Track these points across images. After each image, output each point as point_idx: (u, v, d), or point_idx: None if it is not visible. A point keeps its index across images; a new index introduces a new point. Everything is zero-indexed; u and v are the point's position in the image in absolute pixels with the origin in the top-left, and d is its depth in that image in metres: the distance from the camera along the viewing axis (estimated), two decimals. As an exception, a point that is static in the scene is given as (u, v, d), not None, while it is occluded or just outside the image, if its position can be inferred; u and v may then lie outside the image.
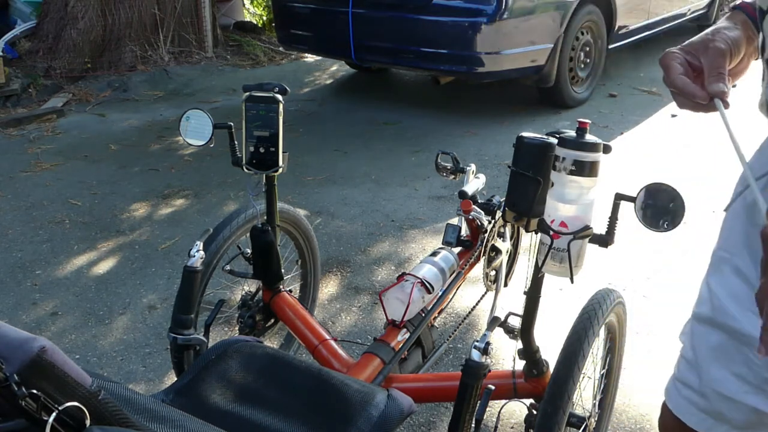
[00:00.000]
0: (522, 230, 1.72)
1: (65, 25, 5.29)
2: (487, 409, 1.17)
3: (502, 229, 1.69)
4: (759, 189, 0.82)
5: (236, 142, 1.61)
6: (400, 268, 2.68)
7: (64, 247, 2.88)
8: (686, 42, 0.89)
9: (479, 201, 1.69)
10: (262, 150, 1.55)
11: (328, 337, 1.62)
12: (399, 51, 4.34)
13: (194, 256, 1.51)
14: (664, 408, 1.04)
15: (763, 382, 0.89)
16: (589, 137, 1.12)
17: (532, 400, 1.48)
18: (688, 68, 0.86)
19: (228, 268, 1.74)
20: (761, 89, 0.82)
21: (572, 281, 1.18)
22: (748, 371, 0.89)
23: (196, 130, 1.60)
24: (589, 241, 1.18)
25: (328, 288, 2.57)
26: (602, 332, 1.49)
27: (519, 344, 1.45)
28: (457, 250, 1.75)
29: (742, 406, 0.91)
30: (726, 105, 0.82)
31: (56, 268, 2.73)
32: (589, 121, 1.13)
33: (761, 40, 0.83)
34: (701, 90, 0.83)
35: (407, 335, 1.56)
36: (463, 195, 1.65)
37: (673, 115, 4.48)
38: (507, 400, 1.52)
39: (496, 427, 1.80)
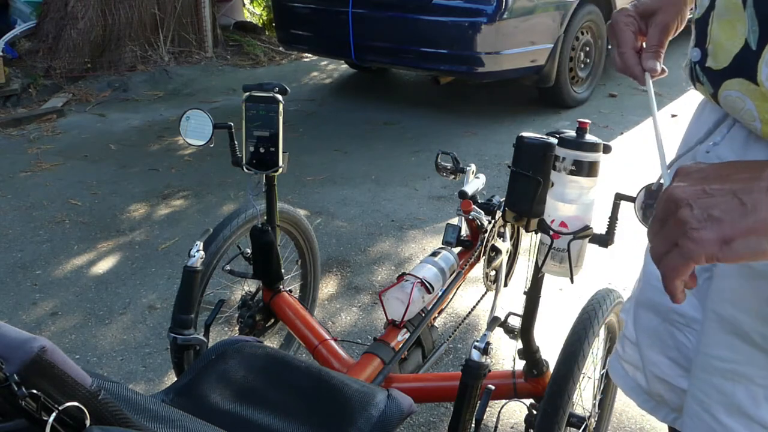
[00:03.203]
0: (522, 230, 1.72)
1: (65, 25, 5.29)
2: (487, 409, 1.17)
3: (502, 229, 1.69)
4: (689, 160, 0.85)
5: (236, 142, 1.61)
6: (400, 268, 2.68)
7: (64, 247, 2.88)
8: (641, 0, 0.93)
9: (479, 201, 1.69)
10: (262, 150, 1.55)
11: (328, 337, 1.62)
12: (399, 51, 4.34)
13: (194, 256, 1.51)
14: None
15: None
16: (589, 137, 1.12)
17: (532, 400, 1.48)
18: (637, 35, 0.91)
19: (228, 268, 1.74)
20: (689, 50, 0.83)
21: (572, 281, 1.18)
22: (679, 354, 0.91)
23: (196, 130, 1.60)
24: (589, 241, 1.18)
25: (328, 288, 2.57)
26: (602, 332, 1.49)
27: (519, 344, 1.45)
28: (457, 250, 1.75)
29: (676, 389, 0.93)
30: (654, 76, 0.90)
31: (56, 268, 2.73)
32: (589, 121, 1.13)
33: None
34: (640, 69, 0.90)
35: (407, 335, 1.56)
36: (463, 195, 1.64)
37: (673, 115, 4.48)
38: (507, 400, 1.53)
39: (496, 427, 1.80)
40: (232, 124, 1.60)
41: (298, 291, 2.07)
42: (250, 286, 1.90)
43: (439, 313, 1.79)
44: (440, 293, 1.62)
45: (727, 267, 0.77)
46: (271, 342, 2.21)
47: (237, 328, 1.82)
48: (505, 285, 1.76)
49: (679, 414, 0.96)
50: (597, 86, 4.98)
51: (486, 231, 1.64)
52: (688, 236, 0.60)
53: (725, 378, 0.78)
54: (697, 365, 0.83)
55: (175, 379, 1.38)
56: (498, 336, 1.97)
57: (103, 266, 2.74)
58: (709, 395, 0.80)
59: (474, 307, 1.82)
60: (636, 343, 0.98)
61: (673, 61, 0.86)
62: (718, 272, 0.79)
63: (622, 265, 2.61)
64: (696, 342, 0.89)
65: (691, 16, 0.86)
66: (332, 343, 1.60)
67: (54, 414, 0.59)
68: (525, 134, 1.27)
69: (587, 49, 4.71)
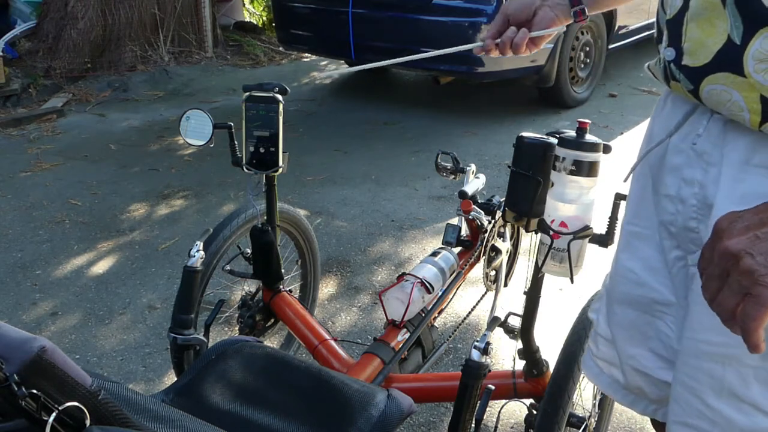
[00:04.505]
0: (522, 230, 1.73)
1: (65, 25, 5.29)
2: (487, 409, 1.17)
3: (502, 229, 1.69)
4: (659, 156, 0.89)
5: (236, 142, 1.61)
6: (400, 268, 2.68)
7: (64, 247, 2.88)
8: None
9: (479, 201, 1.69)
10: (262, 150, 1.55)
11: (328, 337, 1.62)
12: (399, 51, 4.34)
13: (194, 256, 1.51)
14: None
15: (674, 355, 0.91)
16: (589, 137, 1.12)
17: (532, 400, 1.48)
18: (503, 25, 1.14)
19: (228, 268, 1.74)
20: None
21: (572, 281, 1.18)
22: (660, 344, 0.92)
23: (196, 130, 1.60)
24: (589, 241, 1.18)
25: (328, 288, 2.57)
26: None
27: (519, 344, 1.45)
28: (457, 250, 1.75)
29: (656, 381, 0.94)
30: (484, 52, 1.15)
31: (56, 268, 2.73)
32: (589, 121, 1.13)
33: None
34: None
35: (407, 335, 1.56)
36: (463, 195, 1.65)
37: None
38: (507, 400, 1.52)
39: (496, 427, 1.80)
40: (232, 124, 1.60)
41: (298, 291, 2.07)
42: (250, 286, 1.90)
43: (439, 313, 1.79)
44: (440, 293, 1.62)
45: None
46: (271, 342, 2.21)
47: (237, 328, 1.82)
48: (505, 285, 1.76)
49: (658, 405, 0.97)
50: (597, 86, 4.98)
51: (486, 231, 1.64)
52: (760, 283, 0.62)
53: (714, 361, 0.79)
54: (684, 351, 0.84)
55: (175, 379, 1.38)
56: (498, 336, 1.97)
57: (103, 266, 2.74)
58: (698, 380, 0.81)
59: (474, 307, 1.82)
60: (612, 340, 0.99)
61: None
62: None
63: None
64: (678, 329, 0.90)
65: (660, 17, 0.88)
66: (332, 343, 1.60)
67: (54, 414, 0.59)
68: (525, 134, 1.27)
69: (587, 49, 4.71)
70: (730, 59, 0.74)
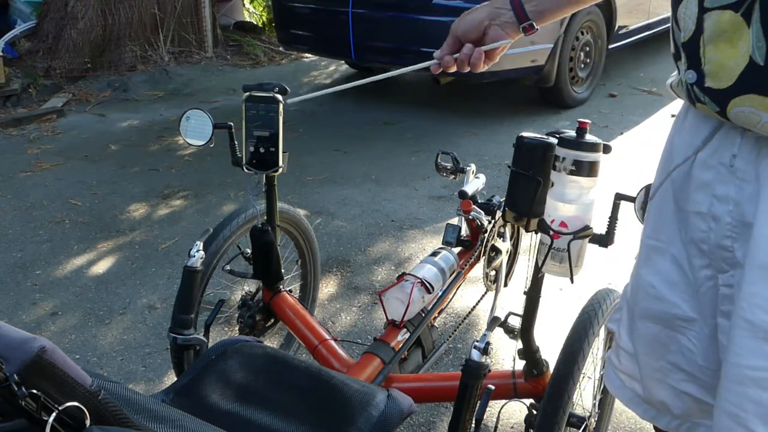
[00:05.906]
0: (522, 230, 1.73)
1: (65, 25, 5.29)
2: (487, 409, 1.17)
3: (502, 229, 1.69)
4: (684, 172, 0.87)
5: (236, 142, 1.61)
6: (400, 268, 2.68)
7: (64, 247, 2.88)
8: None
9: (479, 201, 1.69)
10: (262, 150, 1.55)
11: (328, 337, 1.62)
12: (399, 51, 4.34)
13: (194, 256, 1.51)
14: None
15: (698, 370, 0.90)
16: (589, 137, 1.12)
17: (532, 400, 1.48)
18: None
19: (228, 268, 1.74)
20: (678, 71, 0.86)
21: (572, 281, 1.18)
22: (682, 359, 0.91)
23: (196, 130, 1.60)
24: (589, 241, 1.19)
25: (328, 288, 2.57)
26: (602, 332, 1.49)
27: (519, 344, 1.45)
28: (457, 250, 1.75)
29: (681, 394, 0.92)
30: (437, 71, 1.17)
31: (56, 268, 2.73)
32: (589, 121, 1.13)
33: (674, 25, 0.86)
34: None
35: (407, 335, 1.56)
36: (463, 195, 1.65)
37: (673, 115, 4.48)
38: (507, 400, 1.52)
39: (496, 427, 1.80)
40: (232, 124, 1.60)
41: (298, 291, 2.07)
42: (250, 286, 1.90)
43: (439, 313, 1.79)
44: (440, 293, 1.62)
45: (754, 273, 0.77)
46: (271, 342, 2.21)
47: (237, 328, 1.82)
48: (505, 285, 1.76)
49: (682, 421, 0.95)
50: (597, 86, 4.98)
51: (486, 231, 1.64)
52: None
53: (761, 387, 0.76)
54: (727, 378, 0.80)
55: (175, 379, 1.38)
56: (498, 336, 1.97)
57: (103, 266, 2.74)
58: (743, 408, 0.78)
59: (474, 307, 1.82)
60: (634, 354, 0.97)
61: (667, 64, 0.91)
62: (747, 279, 0.78)
63: (622, 265, 2.61)
64: (701, 345, 0.88)
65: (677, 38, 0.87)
66: (332, 343, 1.60)
67: (54, 414, 0.59)
68: (525, 134, 1.27)
69: (587, 49, 4.71)
70: (755, 81, 0.72)
